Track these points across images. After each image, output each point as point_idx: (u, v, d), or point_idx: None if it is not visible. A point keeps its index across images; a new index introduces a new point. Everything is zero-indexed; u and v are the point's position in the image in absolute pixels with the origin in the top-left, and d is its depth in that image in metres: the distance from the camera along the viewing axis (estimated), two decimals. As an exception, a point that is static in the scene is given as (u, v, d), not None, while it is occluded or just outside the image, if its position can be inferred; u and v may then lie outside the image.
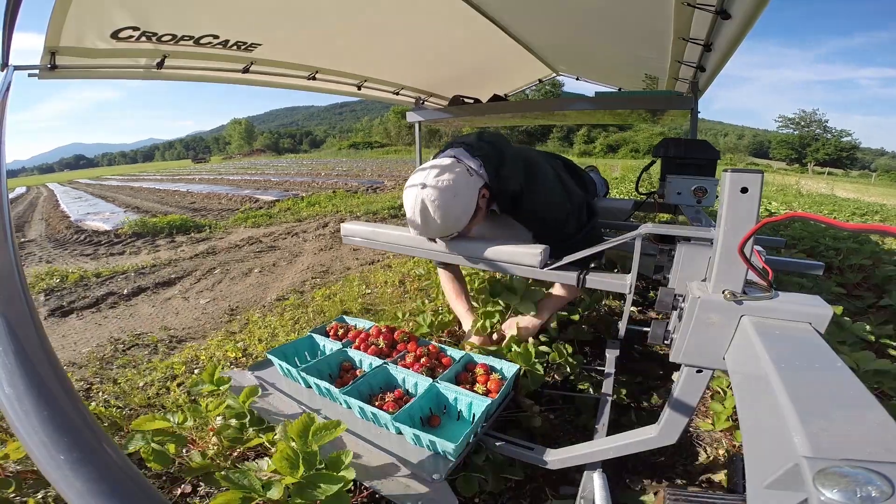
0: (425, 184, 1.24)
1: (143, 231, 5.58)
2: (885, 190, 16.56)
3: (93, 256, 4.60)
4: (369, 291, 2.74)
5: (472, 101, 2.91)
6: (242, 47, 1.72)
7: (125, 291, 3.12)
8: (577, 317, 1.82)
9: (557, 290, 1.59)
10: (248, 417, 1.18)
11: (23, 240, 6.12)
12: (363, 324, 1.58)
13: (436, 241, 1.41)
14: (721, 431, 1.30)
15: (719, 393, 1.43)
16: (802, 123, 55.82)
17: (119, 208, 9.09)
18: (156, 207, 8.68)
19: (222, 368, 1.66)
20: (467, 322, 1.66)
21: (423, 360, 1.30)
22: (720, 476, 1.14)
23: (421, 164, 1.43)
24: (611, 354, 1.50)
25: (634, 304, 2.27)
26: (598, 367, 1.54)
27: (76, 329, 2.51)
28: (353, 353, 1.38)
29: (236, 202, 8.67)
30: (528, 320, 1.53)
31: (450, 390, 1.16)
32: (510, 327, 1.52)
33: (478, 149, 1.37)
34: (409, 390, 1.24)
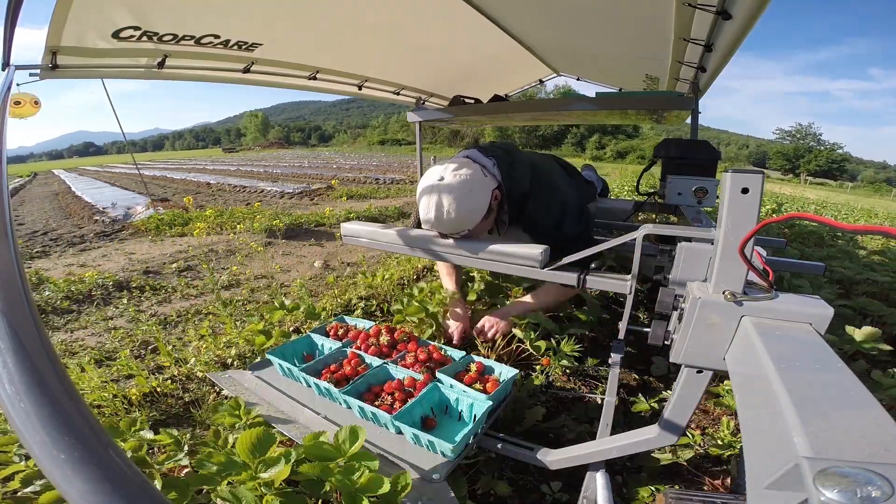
0: (443, 177, 1.30)
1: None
2: (849, 197, 19.36)
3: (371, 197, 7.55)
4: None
5: (472, 101, 2.91)
6: (243, 47, 1.72)
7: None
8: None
9: (532, 297, 1.60)
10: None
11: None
12: (363, 324, 1.58)
13: (446, 238, 1.43)
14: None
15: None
16: (798, 136, 59.05)
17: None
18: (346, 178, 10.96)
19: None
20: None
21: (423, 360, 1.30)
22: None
23: (421, 164, 1.46)
24: (616, 356, 1.50)
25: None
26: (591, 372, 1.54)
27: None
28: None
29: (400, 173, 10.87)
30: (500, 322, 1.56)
31: (451, 391, 1.16)
32: (492, 325, 1.55)
33: (491, 151, 1.48)
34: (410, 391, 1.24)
